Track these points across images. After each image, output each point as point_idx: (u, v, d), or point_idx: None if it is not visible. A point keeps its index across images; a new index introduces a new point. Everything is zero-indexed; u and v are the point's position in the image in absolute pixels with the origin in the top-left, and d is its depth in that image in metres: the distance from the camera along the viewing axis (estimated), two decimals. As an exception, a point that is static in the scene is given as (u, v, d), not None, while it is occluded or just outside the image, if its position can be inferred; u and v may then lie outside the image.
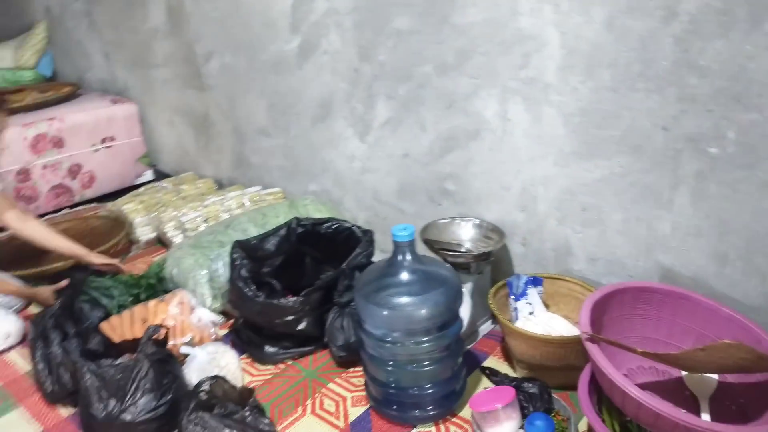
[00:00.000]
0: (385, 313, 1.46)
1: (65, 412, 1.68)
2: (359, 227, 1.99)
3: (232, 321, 1.99)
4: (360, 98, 2.14)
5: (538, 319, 1.71)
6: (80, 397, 1.56)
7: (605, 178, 1.64)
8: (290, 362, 1.83)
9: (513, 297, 1.76)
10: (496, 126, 1.81)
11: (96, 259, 2.14)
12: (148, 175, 3.30)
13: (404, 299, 1.45)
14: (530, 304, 1.74)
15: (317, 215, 2.27)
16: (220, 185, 2.96)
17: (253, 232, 2.16)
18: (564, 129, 1.66)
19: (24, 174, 2.82)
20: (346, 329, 1.78)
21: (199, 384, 1.43)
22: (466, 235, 1.93)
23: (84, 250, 2.13)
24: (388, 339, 1.48)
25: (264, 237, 1.94)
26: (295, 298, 1.74)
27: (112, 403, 1.53)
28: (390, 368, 1.52)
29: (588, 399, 1.37)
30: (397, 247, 1.47)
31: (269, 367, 1.82)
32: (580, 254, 1.78)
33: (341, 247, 1.97)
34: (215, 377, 1.46)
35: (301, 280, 2.06)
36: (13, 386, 1.80)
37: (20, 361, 1.91)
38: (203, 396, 1.41)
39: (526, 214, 1.85)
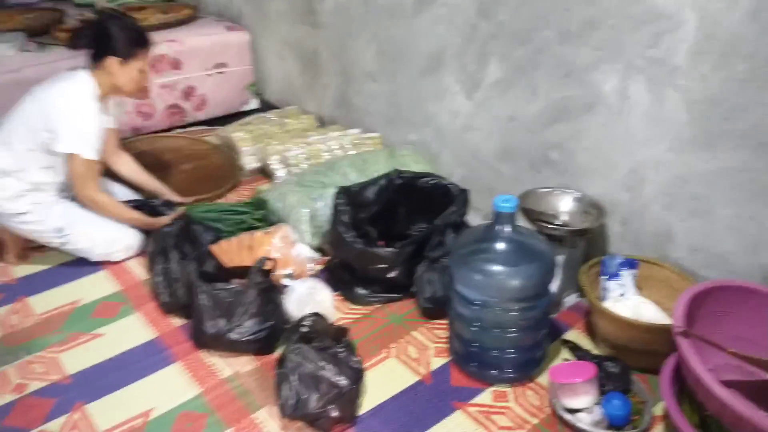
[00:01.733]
0: (478, 278, 1.52)
1: (177, 322, 1.88)
2: (456, 186, 2.03)
3: (327, 259, 2.12)
4: (473, 55, 2.13)
5: (628, 301, 1.72)
6: (194, 313, 1.74)
7: (722, 170, 1.59)
8: (378, 306, 1.95)
9: (605, 276, 1.77)
10: (613, 102, 1.76)
11: (176, 198, 2.35)
12: (254, 103, 3.43)
13: (498, 268, 1.50)
14: (622, 285, 1.75)
15: (414, 166, 2.32)
16: (321, 122, 3.05)
17: (353, 176, 2.25)
18: (686, 115, 1.61)
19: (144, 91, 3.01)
20: (434, 283, 1.86)
21: (302, 319, 1.56)
22: (564, 207, 1.93)
23: (166, 189, 2.37)
24: (477, 302, 1.55)
25: (365, 185, 2.02)
26: (390, 249, 1.83)
27: (222, 322, 1.70)
28: (475, 329, 1.60)
29: (669, 388, 1.40)
30: (498, 217, 1.52)
31: (358, 307, 1.95)
32: (681, 242, 1.75)
33: (436, 202, 2.03)
34: (316, 314, 1.59)
35: (393, 227, 2.15)
36: (132, 292, 2.02)
37: (139, 270, 2.12)
38: (305, 329, 1.54)
39: (630, 195, 1.83)
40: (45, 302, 1.96)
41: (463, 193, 2.00)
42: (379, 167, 2.29)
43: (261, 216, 2.25)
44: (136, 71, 2.03)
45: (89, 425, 1.52)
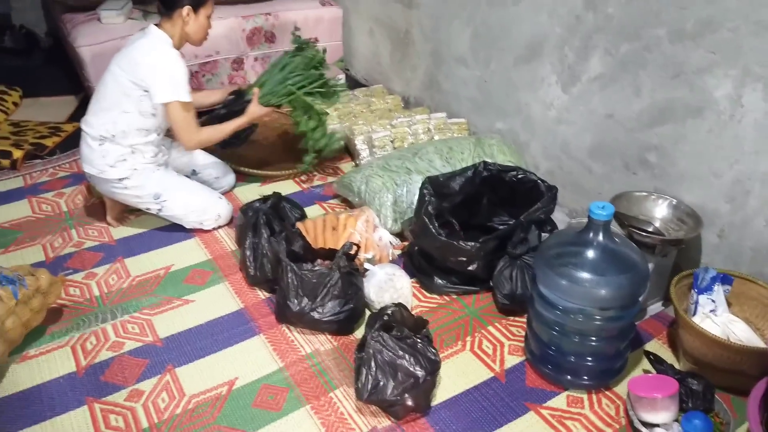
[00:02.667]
0: (564, 282, 1.50)
1: (261, 294, 1.96)
2: (545, 182, 1.98)
3: (406, 244, 2.13)
4: (574, 47, 2.05)
5: (718, 318, 1.65)
6: (279, 289, 1.81)
7: (841, 192, 1.48)
8: (455, 296, 1.96)
9: (696, 290, 1.70)
10: (724, 109, 1.67)
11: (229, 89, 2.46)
12: (340, 79, 3.45)
13: (587, 275, 1.47)
14: (713, 301, 1.68)
15: (500, 157, 2.29)
16: (407, 103, 3.04)
17: (437, 163, 2.24)
18: (807, 130, 1.50)
19: (238, 63, 3.09)
20: (514, 280, 1.85)
21: (385, 308, 1.60)
22: (658, 214, 1.86)
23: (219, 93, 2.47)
24: (560, 307, 1.53)
25: (451, 176, 2.01)
26: (473, 243, 1.82)
27: (305, 300, 1.76)
28: (555, 332, 1.58)
29: (757, 413, 1.35)
30: (592, 224, 1.48)
31: (435, 296, 1.96)
32: (783, 262, 1.66)
33: (521, 197, 2.00)
34: (398, 304, 1.61)
35: (473, 218, 2.14)
36: (221, 261, 2.11)
37: (227, 240, 2.22)
38: (386, 318, 1.57)
39: (731, 206, 1.74)
40: (141, 265, 2.09)
41: (552, 190, 1.96)
42: (464, 155, 2.27)
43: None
44: (204, 18, 2.11)
45: (179, 388, 1.62)
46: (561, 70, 2.13)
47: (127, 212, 2.32)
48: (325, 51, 2.51)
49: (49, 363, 1.69)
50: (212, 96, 2.45)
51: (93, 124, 2.09)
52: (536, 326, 1.65)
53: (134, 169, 2.12)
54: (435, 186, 1.94)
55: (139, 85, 2.02)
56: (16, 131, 2.91)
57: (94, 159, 2.10)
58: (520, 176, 2.02)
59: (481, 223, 2.12)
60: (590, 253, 1.49)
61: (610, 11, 1.88)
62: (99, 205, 2.35)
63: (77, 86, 3.35)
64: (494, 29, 2.36)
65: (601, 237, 1.48)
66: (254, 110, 2.29)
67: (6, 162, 2.62)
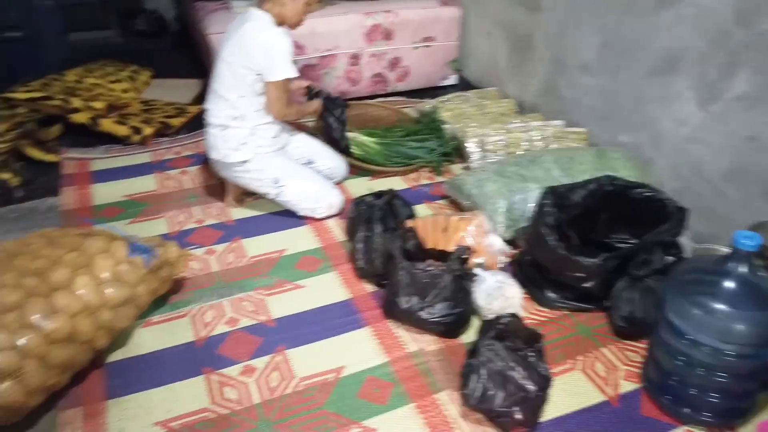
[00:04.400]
0: (697, 312, 1.41)
1: (369, 287, 1.98)
2: (674, 202, 1.87)
3: (516, 253, 2.09)
4: (717, 63, 1.93)
5: None
6: (389, 285, 1.82)
7: None
8: (566, 312, 1.89)
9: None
10: None
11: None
12: (452, 79, 3.44)
13: (724, 307, 1.38)
14: None
15: (623, 171, 2.19)
16: (521, 109, 2.98)
17: (555, 173, 2.18)
18: None
19: (355, 59, 3.15)
20: (633, 302, 1.76)
21: (500, 317, 1.57)
22: (802, 248, 1.72)
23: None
24: (689, 337, 1.45)
25: (572, 187, 1.95)
26: (593, 260, 1.76)
27: (415, 299, 1.76)
28: (679, 362, 1.49)
29: None
30: (736, 254, 1.38)
31: (544, 309, 1.91)
32: None
33: (645, 216, 1.90)
34: (513, 315, 1.58)
35: (591, 232, 2.05)
36: (330, 250, 2.16)
37: (337, 231, 2.26)
38: (500, 327, 1.55)
39: None
40: (256, 246, 2.16)
41: (681, 212, 1.85)
42: (585, 167, 2.19)
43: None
44: (303, 4, 2.15)
45: (288, 369, 1.67)
46: (699, 87, 2.01)
47: (246, 195, 2.42)
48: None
49: (171, 330, 1.78)
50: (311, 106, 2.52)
51: (214, 112, 2.20)
52: (658, 353, 1.57)
53: (255, 153, 2.20)
54: (556, 196, 1.88)
55: (252, 69, 2.10)
56: (146, 109, 3.10)
57: (218, 145, 2.20)
58: (647, 194, 1.92)
59: (598, 239, 2.04)
60: (730, 284, 1.39)
61: (765, 27, 1.75)
62: (219, 186, 2.46)
63: (201, 71, 3.52)
64: (627, 38, 2.26)
65: (743, 268, 1.38)
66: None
67: (137, 137, 2.79)
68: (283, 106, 2.19)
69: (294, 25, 2.22)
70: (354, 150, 2.57)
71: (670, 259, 1.81)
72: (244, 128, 2.18)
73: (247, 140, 2.19)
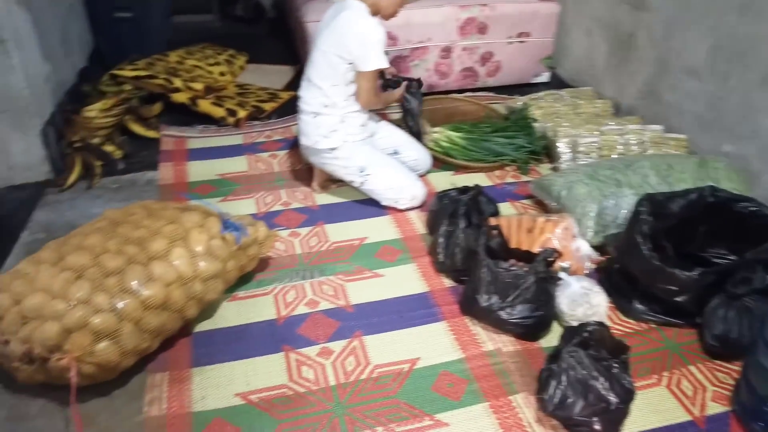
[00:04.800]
0: (804, 338, 1.32)
1: (447, 282, 1.97)
2: (783, 219, 1.75)
3: (603, 260, 2.02)
4: None
5: None
6: (469, 281, 1.81)
7: None
8: (654, 326, 1.81)
9: None
10: None
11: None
12: (545, 77, 3.35)
13: (837, 335, 1.28)
14: None
15: (726, 183, 2.06)
16: (617, 111, 2.87)
17: (653, 180, 2.08)
18: None
19: (446, 51, 3.12)
20: (729, 321, 1.66)
21: (585, 325, 1.52)
22: None
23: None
24: (792, 363, 1.35)
25: (672, 196, 1.85)
26: (689, 274, 1.67)
27: (495, 298, 1.73)
28: (777, 390, 1.40)
29: None
30: None
31: (630, 320, 1.83)
32: None
33: (749, 232, 1.79)
34: (600, 323, 1.53)
35: (686, 245, 1.95)
36: (410, 242, 2.16)
37: (418, 223, 2.26)
38: (585, 335, 1.50)
39: None
40: (338, 232, 2.20)
41: (790, 230, 1.73)
42: (684, 176, 2.08)
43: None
44: None
45: (364, 355, 1.69)
46: (823, 97, 1.86)
47: (331, 181, 2.46)
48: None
49: (255, 307, 1.84)
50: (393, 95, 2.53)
51: (307, 99, 2.25)
52: (754, 378, 1.47)
53: (344, 140, 2.24)
54: (653, 204, 1.80)
55: (345, 59, 2.13)
56: (240, 93, 3.21)
57: (309, 131, 2.25)
58: (752, 208, 1.80)
59: (693, 252, 1.94)
60: None
61: None
62: (306, 171, 2.52)
63: (295, 58, 3.61)
64: (742, 42, 2.12)
65: None
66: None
67: (232, 120, 2.90)
68: (371, 95, 2.22)
69: (389, 16, 2.24)
70: (440, 144, 2.56)
71: (774, 279, 1.70)
72: (335, 116, 2.22)
73: (337, 127, 2.23)
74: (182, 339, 1.71)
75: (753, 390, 1.47)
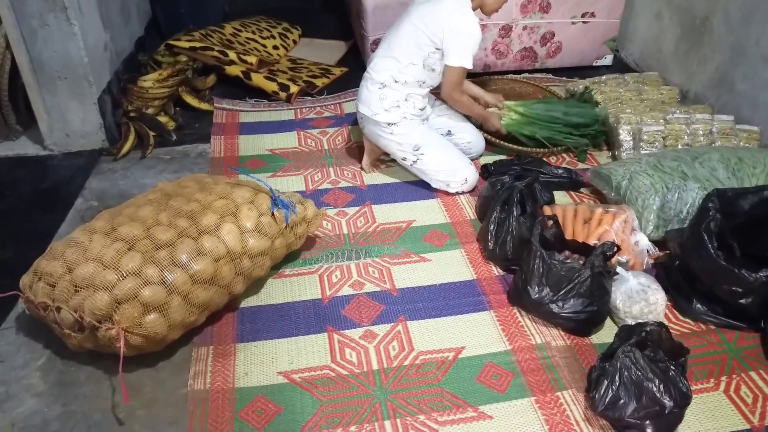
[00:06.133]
0: None
1: (496, 271, 1.92)
2: None
3: (663, 255, 1.92)
4: None
5: None
6: (520, 272, 1.75)
7: None
8: (713, 327, 1.72)
9: None
10: None
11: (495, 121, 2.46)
12: (608, 60, 3.20)
13: None
14: None
15: (803, 179, 1.93)
16: (684, 98, 2.72)
17: (721, 174, 1.96)
18: None
19: (505, 30, 3.01)
20: (798, 328, 1.57)
21: (643, 324, 1.45)
22: None
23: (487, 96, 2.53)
24: None
25: (743, 192, 1.74)
26: (757, 275, 1.57)
27: (546, 290, 1.68)
28: None
29: None
30: None
31: (688, 320, 1.75)
32: None
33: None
34: (659, 324, 1.46)
35: (754, 244, 1.84)
36: (459, 227, 2.11)
37: (468, 208, 2.20)
38: (643, 335, 1.43)
39: None
40: (386, 213, 2.17)
41: None
42: (756, 170, 1.96)
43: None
44: None
45: (408, 341, 1.66)
46: None
47: (380, 161, 2.42)
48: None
49: (300, 285, 1.84)
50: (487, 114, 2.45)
51: (379, 69, 2.20)
52: (822, 391, 1.38)
53: (403, 117, 2.20)
54: (722, 201, 1.69)
55: (434, 42, 2.09)
56: (293, 67, 3.19)
57: (372, 101, 2.21)
58: (830, 210, 1.68)
59: (761, 254, 1.82)
60: None
61: None
62: (355, 149, 2.49)
63: (347, 33, 3.56)
64: (831, 28, 1.97)
65: None
66: (495, 122, 2.42)
67: (284, 95, 2.88)
68: (454, 91, 2.21)
69: (490, 12, 2.23)
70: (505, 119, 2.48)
71: None
72: (402, 92, 2.19)
73: (400, 104, 2.19)
74: (228, 314, 1.72)
75: (821, 404, 1.39)
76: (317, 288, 1.83)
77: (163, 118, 2.66)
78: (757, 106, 2.32)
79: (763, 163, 1.99)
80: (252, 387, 1.51)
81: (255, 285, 1.78)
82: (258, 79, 2.93)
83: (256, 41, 3.28)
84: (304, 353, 1.61)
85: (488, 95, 2.51)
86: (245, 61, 2.98)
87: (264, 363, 1.58)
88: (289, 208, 1.77)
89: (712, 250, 1.61)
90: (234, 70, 2.96)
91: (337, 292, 1.82)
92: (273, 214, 1.73)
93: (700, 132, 2.29)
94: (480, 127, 2.46)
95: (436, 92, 2.31)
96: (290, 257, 1.90)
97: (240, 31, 3.32)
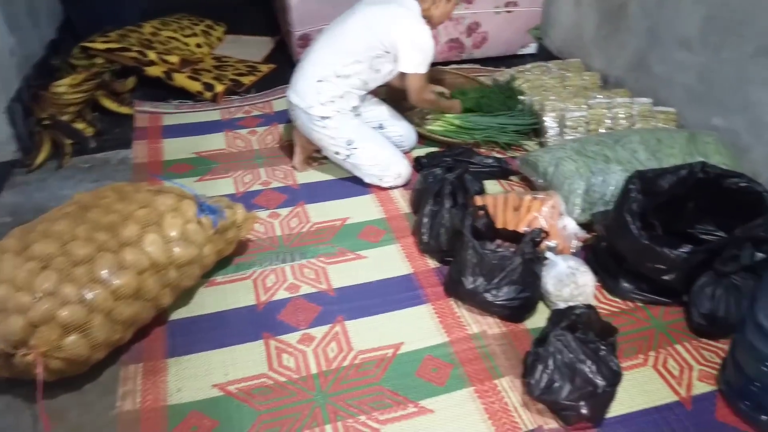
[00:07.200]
0: (795, 320, 1.29)
1: (431, 263, 1.92)
2: (772, 195, 1.72)
3: (589, 238, 1.98)
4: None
5: None
6: (454, 263, 1.76)
7: None
8: (640, 304, 1.78)
9: None
10: None
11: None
12: (532, 48, 3.26)
13: (828, 317, 1.25)
14: None
15: (716, 158, 2.02)
16: (605, 83, 2.80)
17: (642, 156, 2.03)
18: None
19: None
20: (717, 300, 1.64)
21: (573, 308, 1.48)
22: None
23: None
24: (782, 345, 1.33)
25: (662, 172, 1.80)
26: (678, 252, 1.63)
27: (480, 280, 1.69)
28: (765, 369, 1.37)
29: None
30: None
31: (617, 300, 1.80)
32: None
33: (736, 208, 1.75)
34: (589, 306, 1.49)
35: (674, 222, 1.92)
36: (394, 222, 2.10)
37: (402, 201, 2.20)
38: (573, 318, 1.46)
39: None
40: (320, 212, 2.13)
41: (779, 206, 1.69)
42: (674, 150, 2.04)
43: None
44: (453, 5, 2.20)
45: (347, 341, 1.64)
46: (818, 69, 1.81)
47: (312, 158, 2.39)
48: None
49: (233, 292, 1.79)
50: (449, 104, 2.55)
51: (320, 62, 2.15)
52: (741, 357, 1.45)
53: (337, 111, 2.16)
54: (643, 182, 1.75)
55: (384, 46, 2.10)
56: (218, 65, 3.10)
57: (308, 93, 2.15)
58: (742, 184, 1.76)
59: (682, 230, 1.91)
60: (837, 293, 1.26)
61: None
62: (287, 148, 2.44)
63: (275, 29, 3.49)
64: (737, 13, 2.05)
65: None
66: (457, 108, 2.56)
67: (209, 94, 2.80)
68: (419, 94, 2.24)
69: (436, 25, 2.26)
70: (434, 128, 2.51)
71: (761, 255, 1.67)
72: (340, 88, 2.15)
73: (335, 100, 2.16)
74: (157, 328, 1.65)
75: (740, 369, 1.45)
76: (251, 294, 1.78)
77: (80, 125, 2.53)
78: (673, 88, 2.42)
79: (680, 143, 2.06)
80: (185, 403, 1.46)
81: (185, 295, 1.72)
82: (181, 80, 2.84)
83: (177, 40, 3.17)
84: (240, 363, 1.57)
85: (437, 87, 2.58)
86: (166, 61, 2.87)
87: (198, 377, 1.53)
88: (217, 213, 1.72)
89: (635, 231, 1.66)
90: (155, 71, 2.85)
91: (272, 296, 1.78)
92: (200, 220, 1.67)
93: (621, 115, 2.37)
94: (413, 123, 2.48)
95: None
96: (222, 264, 1.84)
97: (160, 29, 3.19)
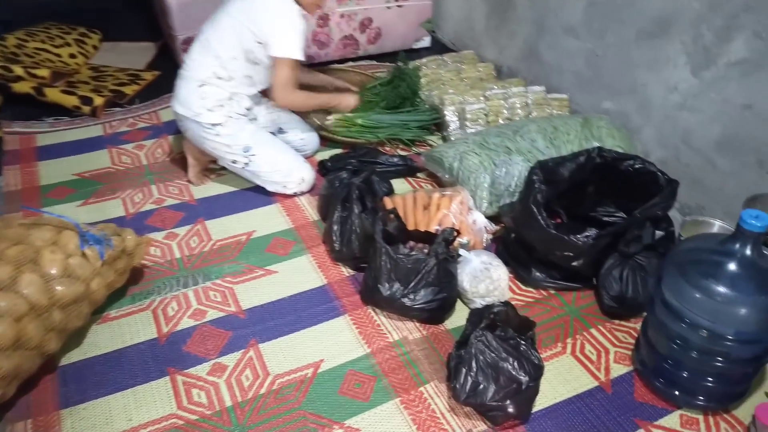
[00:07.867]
0: (698, 295, 1.33)
1: (346, 271, 1.85)
2: (665, 175, 1.79)
3: (498, 229, 1.98)
4: (714, 26, 1.82)
5: None
6: (369, 270, 1.70)
7: None
8: (553, 292, 1.81)
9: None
10: None
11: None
12: (426, 41, 3.26)
13: (727, 291, 1.30)
14: None
15: (609, 141, 2.09)
16: (499, 73, 2.84)
17: (540, 144, 2.06)
18: None
19: (323, 19, 2.93)
20: (624, 281, 1.69)
21: (490, 307, 1.46)
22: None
23: (338, 81, 2.56)
24: (687, 320, 1.37)
25: (561, 161, 1.83)
26: (583, 238, 1.66)
27: (397, 285, 1.64)
28: (675, 346, 1.42)
29: None
30: (741, 235, 1.29)
31: (530, 289, 1.82)
32: None
33: (634, 188, 1.82)
34: (506, 303, 1.48)
35: (576, 207, 1.97)
36: (303, 231, 2.01)
37: (309, 209, 2.11)
38: (492, 317, 1.44)
39: None
40: (222, 228, 2.00)
41: (672, 184, 1.76)
42: (570, 137, 2.09)
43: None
44: None
45: (262, 366, 1.54)
46: (693, 51, 1.90)
47: (209, 171, 2.24)
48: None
49: (131, 326, 1.63)
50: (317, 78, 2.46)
51: (195, 65, 2.02)
52: (653, 336, 1.49)
53: (229, 116, 2.03)
54: (545, 172, 1.77)
55: (255, 34, 1.95)
56: (95, 76, 2.86)
57: (192, 101, 2.01)
58: (637, 166, 1.82)
59: (584, 214, 1.95)
60: (734, 267, 1.31)
61: (769, -13, 1.64)
62: (179, 161, 2.28)
63: (156, 33, 3.27)
64: (616, -1, 2.13)
65: (749, 250, 1.30)
66: (350, 101, 2.39)
67: (87, 108, 2.57)
68: (285, 90, 2.05)
69: (310, 8, 2.07)
70: (336, 129, 2.42)
71: (661, 233, 1.74)
72: (225, 90, 2.02)
73: (224, 103, 2.02)
74: (46, 377, 1.47)
75: (652, 347, 1.50)
76: (152, 326, 1.63)
77: (-63, 153, 2.25)
78: (563, 74, 2.48)
79: (575, 129, 2.12)
80: (85, 459, 1.31)
81: (75, 336, 1.55)
82: (54, 95, 2.58)
83: (47, 51, 2.89)
84: (144, 405, 1.42)
85: (338, 81, 2.48)
86: (35, 75, 2.61)
87: (97, 426, 1.37)
88: (103, 242, 1.55)
89: (542, 221, 1.67)
90: (23, 87, 2.58)
91: (175, 326, 1.63)
92: (84, 252, 1.50)
93: (518, 105, 2.40)
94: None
95: (265, 91, 2.18)
96: (115, 296, 1.67)
97: (26, 41, 2.90)
